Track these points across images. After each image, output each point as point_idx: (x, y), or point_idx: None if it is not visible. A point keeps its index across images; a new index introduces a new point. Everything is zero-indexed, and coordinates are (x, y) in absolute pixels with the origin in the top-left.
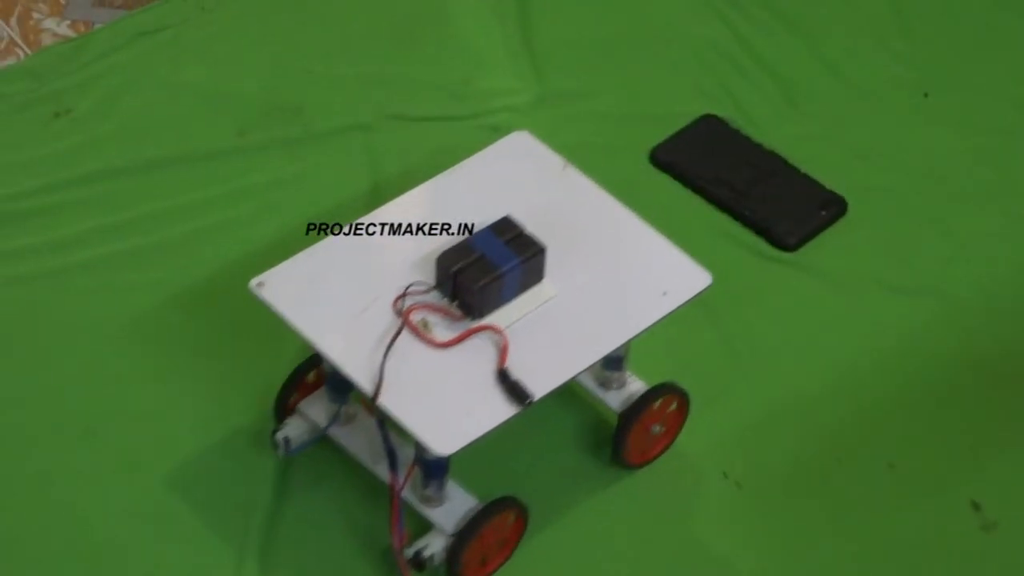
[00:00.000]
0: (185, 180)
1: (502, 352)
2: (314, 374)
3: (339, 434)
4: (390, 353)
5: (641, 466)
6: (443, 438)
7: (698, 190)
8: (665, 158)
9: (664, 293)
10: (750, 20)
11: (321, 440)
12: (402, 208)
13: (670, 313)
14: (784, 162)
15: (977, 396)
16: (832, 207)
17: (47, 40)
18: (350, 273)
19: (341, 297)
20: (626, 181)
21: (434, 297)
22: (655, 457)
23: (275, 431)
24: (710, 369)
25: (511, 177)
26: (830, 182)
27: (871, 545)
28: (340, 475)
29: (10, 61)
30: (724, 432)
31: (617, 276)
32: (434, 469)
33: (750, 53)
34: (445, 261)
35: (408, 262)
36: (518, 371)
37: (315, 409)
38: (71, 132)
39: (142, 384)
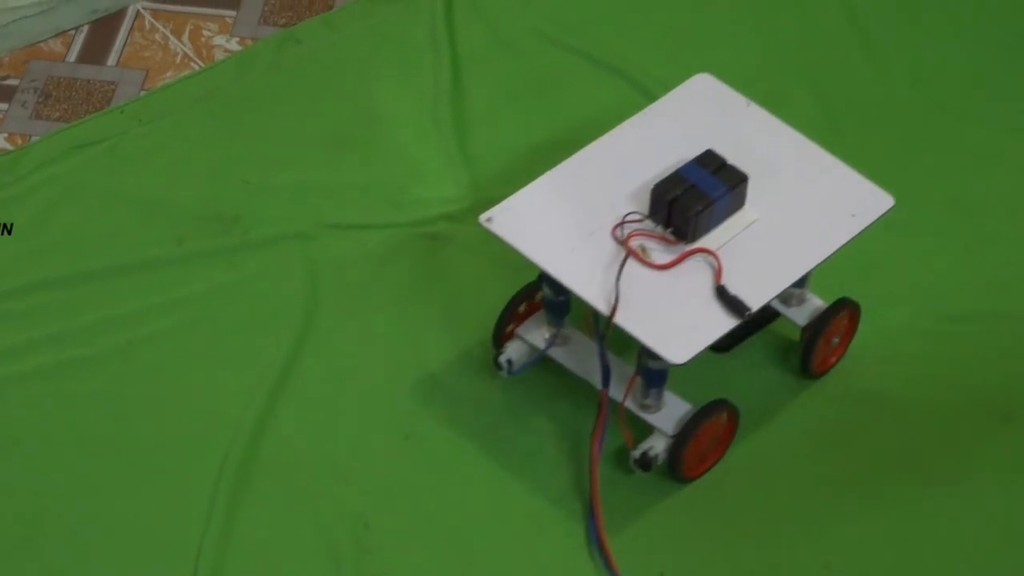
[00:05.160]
0: (124, 290)
1: (717, 271)
2: (524, 305)
3: (557, 354)
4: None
5: (821, 375)
6: (676, 348)
7: None
8: None
9: (853, 215)
10: None
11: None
12: (603, 149)
13: (861, 232)
14: None
15: (911, 495)
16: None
17: None
18: (566, 207)
19: (561, 228)
20: None
21: (648, 225)
22: (832, 366)
23: (498, 355)
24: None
25: (700, 116)
26: None
27: None
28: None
29: None
30: (660, 534)
31: (808, 201)
32: (655, 379)
33: None
34: (660, 191)
35: (617, 195)
36: (731, 287)
37: (532, 334)
38: (9, 243)
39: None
